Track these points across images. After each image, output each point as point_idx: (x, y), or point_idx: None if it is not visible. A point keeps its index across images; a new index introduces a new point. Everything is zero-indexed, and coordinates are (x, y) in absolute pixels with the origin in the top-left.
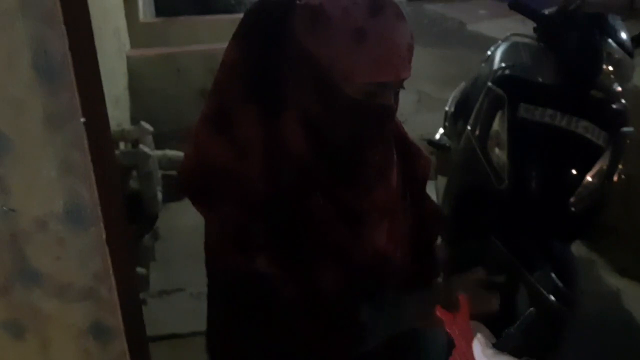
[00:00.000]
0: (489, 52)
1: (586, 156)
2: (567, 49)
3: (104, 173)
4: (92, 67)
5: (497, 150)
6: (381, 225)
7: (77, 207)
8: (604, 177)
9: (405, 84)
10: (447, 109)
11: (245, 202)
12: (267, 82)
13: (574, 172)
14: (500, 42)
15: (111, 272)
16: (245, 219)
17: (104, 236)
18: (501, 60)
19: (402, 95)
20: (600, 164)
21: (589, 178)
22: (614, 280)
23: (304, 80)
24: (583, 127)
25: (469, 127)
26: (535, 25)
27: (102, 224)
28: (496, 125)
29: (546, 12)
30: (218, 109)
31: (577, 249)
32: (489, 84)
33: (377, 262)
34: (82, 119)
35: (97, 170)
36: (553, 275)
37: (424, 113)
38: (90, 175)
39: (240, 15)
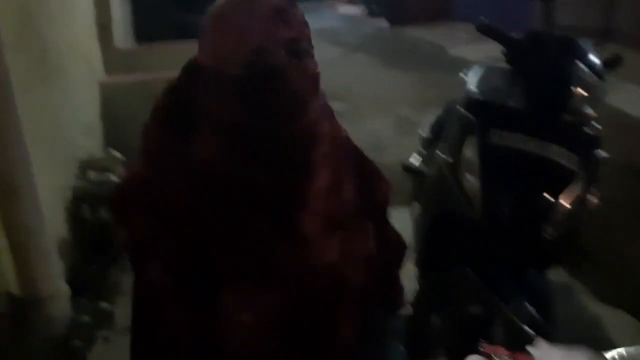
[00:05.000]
0: (463, 76)
1: (558, 181)
2: (536, 73)
3: None
4: None
5: (468, 176)
6: (331, 240)
7: None
8: (578, 202)
9: (383, 107)
10: (421, 133)
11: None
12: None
13: (546, 198)
14: (473, 65)
15: None
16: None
17: None
18: (473, 84)
19: (380, 118)
20: (574, 189)
21: (562, 203)
22: (593, 307)
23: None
24: (554, 152)
25: (439, 153)
26: (503, 49)
27: None
28: (467, 151)
29: (515, 35)
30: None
31: (556, 274)
32: (459, 108)
33: (329, 279)
34: None
35: None
36: (528, 305)
37: (402, 137)
38: None
39: None
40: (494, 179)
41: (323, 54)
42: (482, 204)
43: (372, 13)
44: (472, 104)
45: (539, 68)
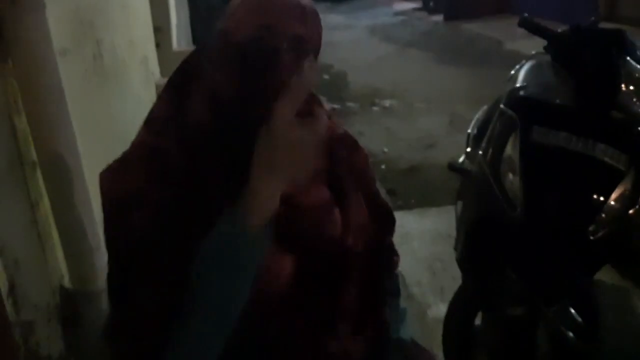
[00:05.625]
0: (512, 72)
1: (605, 181)
2: (582, 68)
3: None
4: None
5: (510, 175)
6: (333, 213)
7: None
8: (628, 202)
9: (435, 104)
10: (469, 131)
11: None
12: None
13: (591, 198)
14: (524, 61)
15: None
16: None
17: None
18: (519, 80)
19: (433, 116)
20: (622, 189)
21: (610, 204)
22: None
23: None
24: (600, 151)
25: (480, 152)
26: (545, 44)
27: None
28: (509, 149)
29: (559, 29)
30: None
31: (609, 277)
32: (501, 105)
33: (336, 251)
34: None
35: None
36: (572, 310)
37: (454, 134)
38: None
39: None
40: (536, 179)
41: (375, 50)
42: (524, 204)
43: (428, 8)
44: (515, 100)
45: (585, 63)
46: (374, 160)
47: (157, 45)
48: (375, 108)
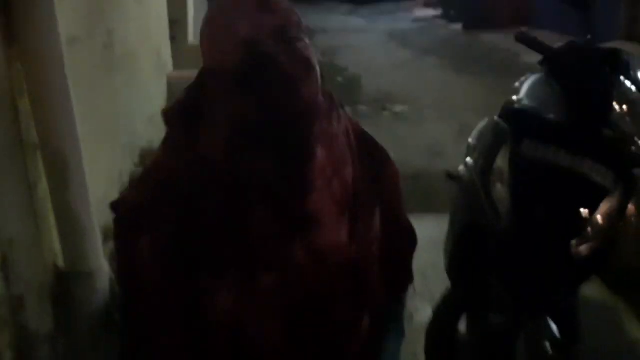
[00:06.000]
0: (516, 84)
1: (591, 197)
2: (576, 85)
3: None
4: None
5: (499, 186)
6: (341, 222)
7: None
8: (613, 218)
9: (446, 112)
10: (470, 140)
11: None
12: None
13: (576, 213)
14: (529, 74)
15: None
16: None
17: None
18: (517, 93)
19: (442, 124)
20: (608, 206)
21: (595, 219)
22: (635, 327)
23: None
24: (588, 167)
25: (470, 160)
26: (540, 59)
27: None
28: (499, 160)
29: (555, 45)
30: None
31: (600, 292)
32: (495, 117)
33: (338, 261)
34: None
35: None
36: (551, 322)
37: (462, 144)
38: None
39: None
40: (524, 191)
41: (392, 55)
42: (510, 215)
43: (449, 17)
44: (508, 112)
45: (579, 80)
46: None
47: (173, 38)
48: (385, 113)
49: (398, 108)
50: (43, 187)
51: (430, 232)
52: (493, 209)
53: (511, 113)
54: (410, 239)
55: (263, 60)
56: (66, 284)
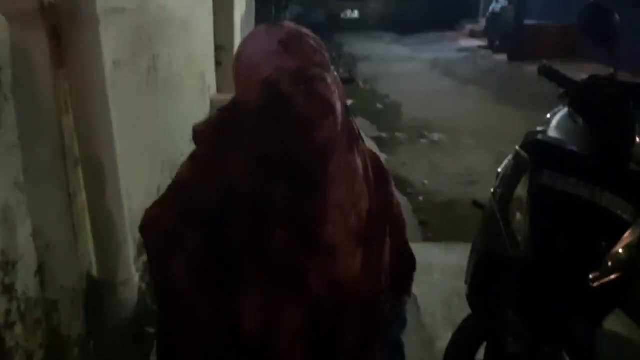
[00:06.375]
0: (548, 115)
1: (610, 230)
2: (597, 119)
3: None
4: None
5: (518, 215)
6: (355, 254)
7: None
8: (634, 251)
9: (484, 142)
10: (499, 170)
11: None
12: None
13: (595, 246)
14: (561, 106)
15: None
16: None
17: None
18: (544, 124)
19: (479, 153)
20: (629, 239)
21: (615, 252)
22: None
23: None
24: (608, 200)
25: (491, 189)
26: (561, 92)
27: None
28: (519, 189)
29: (577, 78)
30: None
31: (623, 326)
32: (516, 147)
33: (348, 292)
34: None
35: None
36: (565, 354)
37: None
38: None
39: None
40: (543, 221)
41: (434, 84)
42: (528, 245)
43: (493, 47)
44: (529, 142)
45: (601, 114)
46: (413, 192)
47: (219, 63)
48: (423, 140)
49: (436, 136)
50: (82, 198)
51: (458, 260)
52: (511, 238)
53: (531, 143)
54: (411, 265)
55: (280, 100)
56: (98, 292)
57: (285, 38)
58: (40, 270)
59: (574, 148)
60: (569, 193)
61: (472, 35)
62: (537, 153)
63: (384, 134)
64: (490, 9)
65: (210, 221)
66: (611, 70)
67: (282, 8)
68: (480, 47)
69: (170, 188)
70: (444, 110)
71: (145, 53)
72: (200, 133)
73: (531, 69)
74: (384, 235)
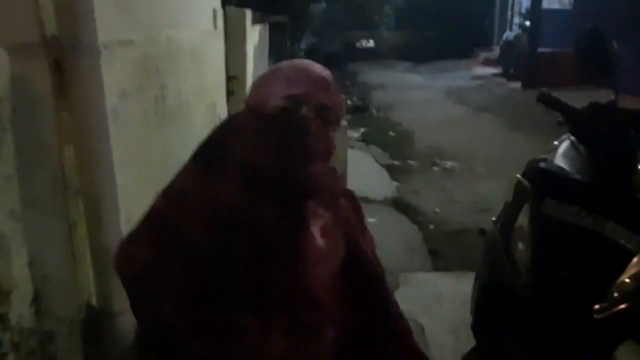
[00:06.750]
0: (554, 142)
1: (613, 259)
2: (599, 146)
3: None
4: None
5: (520, 245)
6: (335, 298)
7: None
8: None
9: (496, 169)
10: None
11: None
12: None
13: (599, 276)
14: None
15: None
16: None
17: None
18: (551, 151)
19: (492, 181)
20: (635, 268)
21: (621, 282)
22: None
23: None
24: (611, 229)
25: (493, 218)
26: (560, 118)
27: None
28: (521, 218)
29: (577, 106)
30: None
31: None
32: (517, 175)
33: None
34: None
35: None
36: None
37: None
38: None
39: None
40: (544, 251)
41: (447, 111)
42: (529, 275)
43: (508, 75)
44: (530, 170)
45: (602, 142)
46: (423, 220)
47: (232, 93)
48: (435, 168)
49: (448, 164)
50: (82, 228)
51: (468, 290)
52: (512, 267)
53: (533, 171)
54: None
55: (297, 121)
56: (97, 322)
57: (328, 77)
58: (36, 300)
59: (577, 176)
60: (571, 222)
61: (487, 63)
62: (539, 181)
63: (396, 162)
64: (504, 37)
65: (196, 254)
66: (612, 96)
67: (297, 39)
68: (494, 75)
69: (144, 221)
70: (457, 138)
71: (153, 83)
72: (195, 154)
73: None
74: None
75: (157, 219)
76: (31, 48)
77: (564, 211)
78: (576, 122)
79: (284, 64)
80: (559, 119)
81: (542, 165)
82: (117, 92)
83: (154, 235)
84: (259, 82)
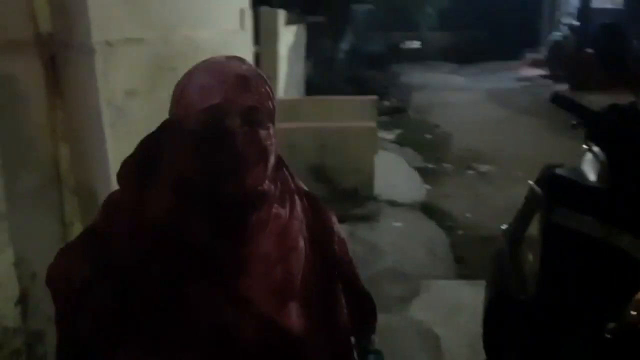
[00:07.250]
0: (584, 146)
1: (629, 273)
2: (617, 150)
3: None
4: None
5: (529, 255)
6: (284, 311)
7: None
8: None
9: (534, 173)
10: None
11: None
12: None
13: (613, 291)
14: None
15: None
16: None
17: None
18: (581, 156)
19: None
20: None
21: (638, 298)
22: None
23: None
24: (626, 242)
25: (503, 227)
26: (575, 121)
27: None
28: (532, 228)
29: (595, 108)
30: None
31: None
32: (530, 182)
33: (288, 350)
34: None
35: None
36: None
37: None
38: None
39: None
40: (555, 264)
41: (488, 114)
42: (537, 287)
43: (555, 77)
44: (543, 177)
45: (621, 145)
46: (452, 225)
47: None
48: (470, 172)
49: (484, 168)
50: (79, 227)
51: None
52: (520, 279)
53: (546, 178)
54: (369, 302)
55: (222, 132)
56: None
57: (245, 74)
58: (23, 299)
59: (595, 183)
60: (584, 233)
61: (534, 64)
62: (551, 189)
63: (429, 165)
64: (551, 37)
65: (123, 272)
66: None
67: (338, 39)
68: (541, 77)
69: (82, 236)
70: (496, 141)
71: (167, 83)
72: (120, 168)
73: (593, 99)
74: (333, 290)
75: (91, 234)
76: (23, 45)
77: (577, 221)
78: (593, 125)
79: (198, 67)
80: (573, 121)
81: (557, 171)
82: (123, 91)
83: (88, 252)
84: (177, 93)
